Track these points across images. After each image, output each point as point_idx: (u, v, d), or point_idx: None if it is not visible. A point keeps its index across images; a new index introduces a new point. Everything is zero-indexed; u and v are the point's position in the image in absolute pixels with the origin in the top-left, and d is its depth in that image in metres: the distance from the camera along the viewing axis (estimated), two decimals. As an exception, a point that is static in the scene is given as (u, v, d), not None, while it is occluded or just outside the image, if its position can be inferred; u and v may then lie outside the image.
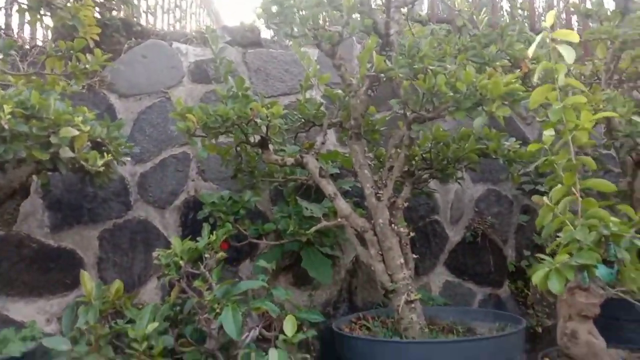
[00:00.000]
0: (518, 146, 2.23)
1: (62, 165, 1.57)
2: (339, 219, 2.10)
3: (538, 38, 1.59)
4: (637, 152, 2.26)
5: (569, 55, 1.55)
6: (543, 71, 1.62)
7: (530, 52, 1.63)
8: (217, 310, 1.52)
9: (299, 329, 2.44)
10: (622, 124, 2.25)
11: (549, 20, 1.61)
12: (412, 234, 2.12)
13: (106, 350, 1.45)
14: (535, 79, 1.65)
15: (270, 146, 2.09)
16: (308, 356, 1.64)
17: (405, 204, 2.18)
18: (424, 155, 2.33)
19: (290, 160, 2.07)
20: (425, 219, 2.94)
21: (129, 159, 2.08)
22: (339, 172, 2.67)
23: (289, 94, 2.77)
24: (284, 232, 2.19)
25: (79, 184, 2.37)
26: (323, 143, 2.14)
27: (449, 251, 2.97)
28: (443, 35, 2.35)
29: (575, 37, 1.62)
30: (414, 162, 2.31)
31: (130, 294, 1.80)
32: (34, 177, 1.99)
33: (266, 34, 3.09)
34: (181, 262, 1.63)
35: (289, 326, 1.58)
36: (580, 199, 1.78)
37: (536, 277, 1.66)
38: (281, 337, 1.57)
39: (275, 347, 1.53)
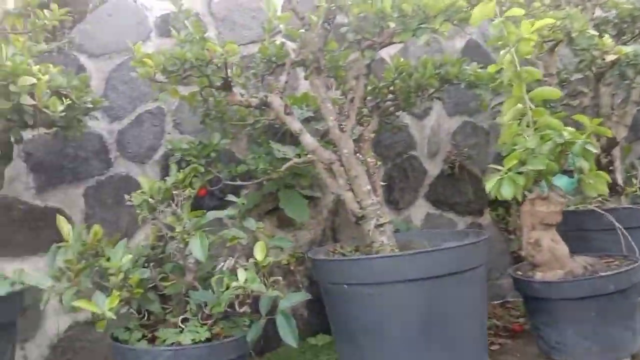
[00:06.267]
0: (479, 69, 2.28)
1: (27, 116, 1.64)
2: (308, 155, 2.17)
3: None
4: (597, 66, 2.29)
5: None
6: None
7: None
8: (187, 240, 1.61)
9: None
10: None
11: None
12: (379, 163, 2.18)
13: (85, 283, 1.54)
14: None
15: (235, 89, 2.14)
16: (280, 278, 1.74)
17: (372, 135, 2.24)
18: (390, 88, 2.38)
19: (254, 101, 2.12)
20: (402, 155, 3.01)
21: (96, 114, 2.14)
22: (313, 115, 2.72)
23: (257, 41, 2.79)
24: (254, 171, 2.27)
25: (58, 145, 2.45)
26: (286, 82, 2.18)
27: (428, 184, 3.05)
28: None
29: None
30: (379, 95, 2.36)
31: (112, 238, 1.89)
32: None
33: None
34: (151, 200, 1.71)
35: (258, 251, 1.67)
36: (530, 109, 1.83)
37: (489, 185, 1.74)
38: (251, 260, 1.66)
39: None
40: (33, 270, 2.34)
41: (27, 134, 2.37)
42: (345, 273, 1.81)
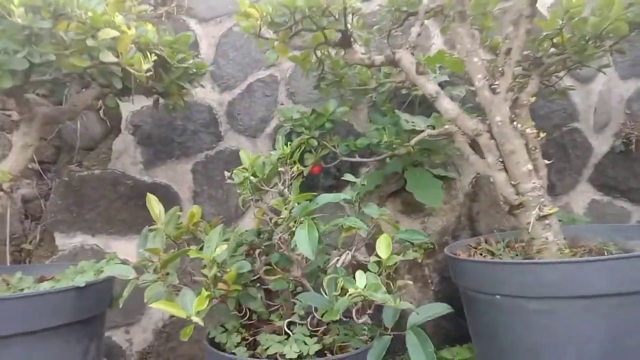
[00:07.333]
0: (689, 8, 1.66)
1: (116, 79, 1.41)
2: (446, 126, 1.73)
3: None
4: None
5: None
6: None
7: None
8: (293, 229, 1.27)
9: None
10: None
11: None
12: (542, 135, 1.67)
13: (172, 278, 1.28)
14: None
15: (356, 46, 1.76)
16: (410, 282, 1.34)
17: (531, 100, 1.73)
18: (553, 40, 1.84)
19: (379, 59, 1.72)
20: (561, 127, 2.43)
21: (204, 82, 1.89)
22: (448, 79, 2.26)
23: (383, -6, 2.38)
24: (376, 146, 1.87)
25: (166, 117, 2.27)
26: (419, 34, 1.75)
27: (593, 165, 2.44)
28: None
29: None
30: (540, 49, 1.83)
31: (212, 220, 1.63)
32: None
33: None
34: (253, 179, 1.40)
35: (382, 247, 1.29)
36: None
37: None
38: (372, 258, 1.29)
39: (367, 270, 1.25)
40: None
41: (134, 106, 2.23)
42: (499, 280, 1.36)
